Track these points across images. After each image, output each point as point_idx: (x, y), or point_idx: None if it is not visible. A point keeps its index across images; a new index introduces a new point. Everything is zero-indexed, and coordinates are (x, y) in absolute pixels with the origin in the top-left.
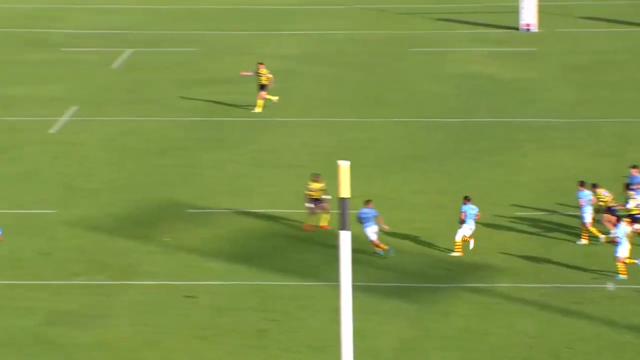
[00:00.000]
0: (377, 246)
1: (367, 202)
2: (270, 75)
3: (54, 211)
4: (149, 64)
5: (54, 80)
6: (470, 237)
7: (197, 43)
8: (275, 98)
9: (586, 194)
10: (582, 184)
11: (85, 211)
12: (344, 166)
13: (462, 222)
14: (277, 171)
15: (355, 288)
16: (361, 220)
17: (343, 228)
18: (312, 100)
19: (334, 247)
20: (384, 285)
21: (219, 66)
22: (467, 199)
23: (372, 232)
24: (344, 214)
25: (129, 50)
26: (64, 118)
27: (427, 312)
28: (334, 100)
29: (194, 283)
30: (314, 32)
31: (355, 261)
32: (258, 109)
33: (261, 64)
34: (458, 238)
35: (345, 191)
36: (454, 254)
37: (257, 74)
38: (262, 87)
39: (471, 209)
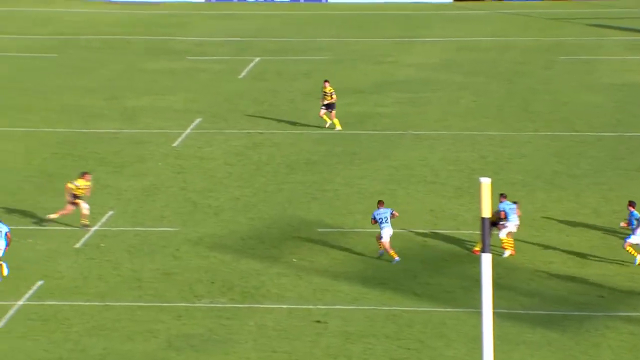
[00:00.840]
0: (386, 250)
1: (380, 203)
2: (335, 97)
3: (177, 229)
4: (277, 73)
5: (177, 91)
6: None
7: (328, 50)
8: (328, 123)
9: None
10: (631, 204)
11: (210, 229)
12: (486, 184)
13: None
14: (414, 188)
15: (497, 315)
16: (378, 221)
17: (484, 250)
18: (452, 111)
19: (472, 270)
20: (528, 312)
21: (351, 75)
22: (632, 204)
23: (387, 234)
24: (485, 235)
25: (256, 59)
26: (188, 130)
27: (576, 343)
28: (475, 112)
29: (324, 307)
30: (454, 38)
31: (497, 286)
32: (338, 126)
33: (326, 81)
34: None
35: (486, 211)
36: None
37: (323, 93)
38: (328, 106)
39: None
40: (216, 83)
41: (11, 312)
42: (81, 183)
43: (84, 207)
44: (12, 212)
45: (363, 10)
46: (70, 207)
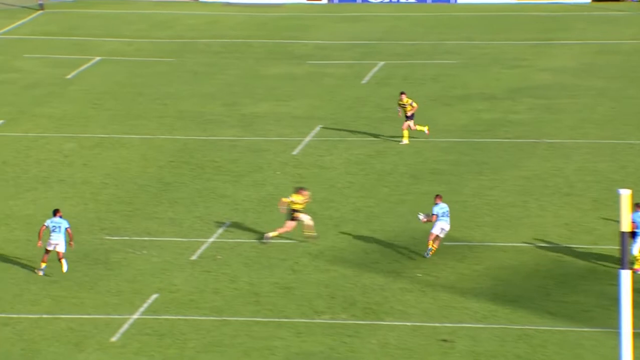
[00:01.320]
0: (429, 240)
1: (438, 197)
2: (415, 104)
3: (296, 241)
4: (403, 78)
5: (298, 96)
6: None
7: (457, 54)
8: (425, 128)
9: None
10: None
11: (331, 242)
12: (625, 195)
13: None
14: (547, 200)
15: (638, 336)
16: (440, 216)
17: (623, 267)
18: (589, 119)
19: (611, 288)
20: None
21: (481, 80)
22: None
23: (440, 227)
24: (624, 250)
25: (380, 63)
26: (308, 138)
27: None
28: (616, 119)
29: (450, 325)
30: (593, 41)
31: (637, 305)
32: (405, 140)
33: (403, 93)
34: None
35: (625, 224)
36: None
37: (400, 105)
38: (408, 117)
39: None
40: (338, 88)
41: (125, 326)
42: (297, 198)
43: (305, 218)
44: (127, 222)
45: (495, 12)
46: (290, 224)
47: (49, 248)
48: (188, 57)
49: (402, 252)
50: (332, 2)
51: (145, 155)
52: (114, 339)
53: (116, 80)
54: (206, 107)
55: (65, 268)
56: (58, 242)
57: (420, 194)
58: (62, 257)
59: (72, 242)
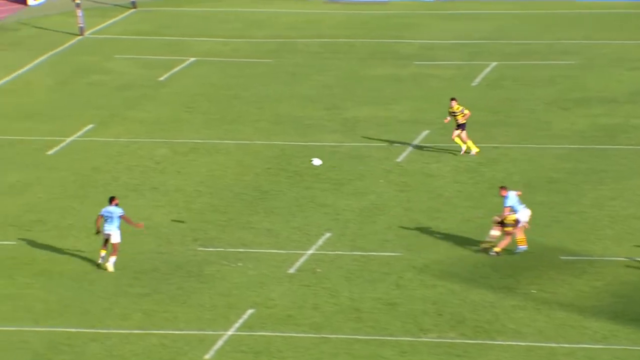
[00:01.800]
0: (516, 235)
1: (504, 189)
2: (467, 112)
3: (400, 254)
4: (515, 80)
5: (403, 99)
6: None
7: (576, 54)
8: (463, 149)
9: None
10: None
11: (437, 255)
12: None
13: None
14: None
15: None
16: (516, 209)
17: None
18: None
19: None
20: None
21: (601, 82)
22: None
23: (526, 214)
24: None
25: (492, 63)
26: (414, 144)
27: None
28: None
29: (567, 346)
30: None
31: None
32: (474, 149)
33: (453, 99)
34: None
35: None
36: None
37: (451, 113)
38: (459, 126)
39: None
40: (446, 91)
41: (220, 342)
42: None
43: (525, 214)
44: (222, 233)
45: (618, 9)
46: (508, 235)
47: (105, 237)
48: (286, 57)
49: (515, 266)
50: None
51: (241, 162)
52: (207, 357)
53: (211, 82)
54: (305, 110)
55: (111, 268)
56: (111, 233)
57: (535, 204)
58: (115, 251)
59: (139, 223)
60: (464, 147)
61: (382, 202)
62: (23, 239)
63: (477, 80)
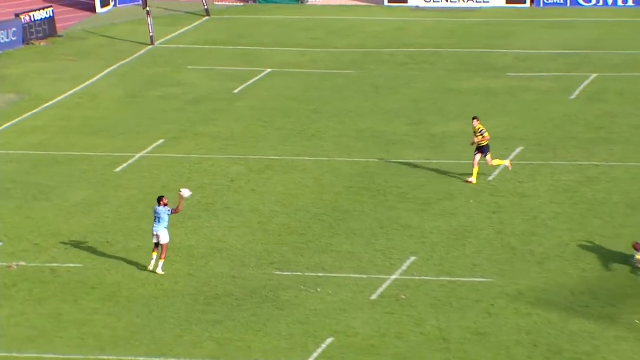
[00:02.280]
0: None
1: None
2: (487, 135)
3: (492, 280)
4: (618, 93)
5: (495, 114)
6: None
7: None
8: (505, 162)
9: None
10: None
11: (532, 281)
12: None
13: None
14: None
15: None
16: None
17: None
18: None
19: None
20: None
21: None
22: None
23: None
24: None
25: (592, 75)
26: (506, 162)
27: None
28: None
29: None
30: None
31: None
32: (473, 177)
33: (475, 118)
34: None
35: None
36: None
37: (475, 134)
38: (480, 149)
39: None
40: (543, 105)
41: None
42: None
43: None
44: (299, 256)
45: None
46: None
47: (154, 240)
48: (370, 68)
49: (617, 294)
50: (537, 5)
51: (320, 180)
52: None
53: (288, 95)
54: (389, 125)
55: (159, 270)
56: (159, 233)
57: (635, 226)
58: (164, 253)
59: (179, 207)
60: (471, 179)
61: (472, 224)
62: (89, 262)
63: (576, 93)
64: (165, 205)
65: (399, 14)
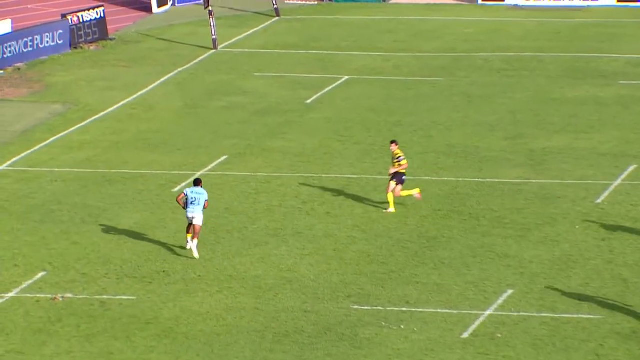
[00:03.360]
0: None
1: None
2: (404, 163)
3: (601, 317)
4: None
5: (604, 127)
6: None
7: None
8: (413, 191)
9: None
10: None
11: None
12: None
13: None
14: None
15: None
16: None
17: None
18: None
19: None
20: None
21: None
22: None
23: None
24: None
25: None
26: (617, 182)
27: None
28: None
29: None
30: None
31: None
32: (390, 208)
33: (394, 142)
34: None
35: None
36: None
37: (392, 160)
38: (393, 176)
39: None
40: None
41: None
42: None
43: None
44: (380, 288)
45: None
46: None
47: (189, 222)
48: (460, 75)
49: None
50: None
51: (403, 202)
52: None
53: (368, 106)
54: (483, 140)
55: (195, 253)
56: (194, 215)
57: None
58: (197, 235)
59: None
60: (391, 209)
61: (577, 253)
62: (143, 294)
63: None
64: (202, 187)
65: (494, 13)
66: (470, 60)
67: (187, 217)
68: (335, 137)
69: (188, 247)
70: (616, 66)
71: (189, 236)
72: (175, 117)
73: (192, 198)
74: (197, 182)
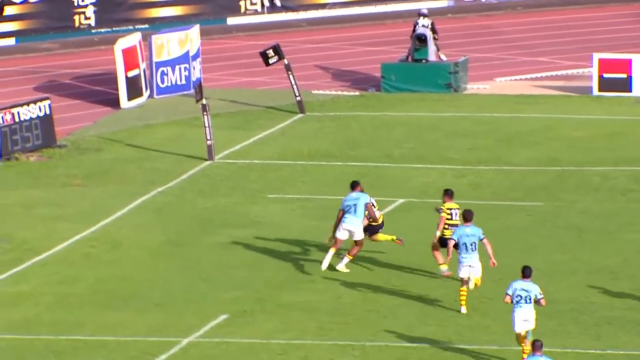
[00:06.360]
0: None
1: None
2: (378, 215)
3: None
4: None
5: None
6: None
7: None
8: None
9: None
10: None
11: None
12: None
13: None
14: None
15: None
16: None
17: None
18: None
19: None
20: None
21: None
22: None
23: None
24: None
25: None
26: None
27: None
28: None
29: None
30: None
31: None
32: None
33: (357, 185)
34: None
35: None
36: None
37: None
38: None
39: None
40: None
41: None
42: None
43: None
44: None
45: None
46: None
47: (339, 237)
48: (568, 199)
49: None
50: None
51: None
52: None
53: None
54: (601, 295)
55: (341, 266)
56: (351, 228)
57: None
58: (353, 253)
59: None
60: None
61: None
62: None
63: None
64: (361, 191)
65: (616, 109)
66: (581, 176)
67: (340, 231)
68: (386, 286)
69: (324, 267)
70: None
71: (332, 250)
72: (152, 259)
73: (347, 207)
74: (353, 186)
